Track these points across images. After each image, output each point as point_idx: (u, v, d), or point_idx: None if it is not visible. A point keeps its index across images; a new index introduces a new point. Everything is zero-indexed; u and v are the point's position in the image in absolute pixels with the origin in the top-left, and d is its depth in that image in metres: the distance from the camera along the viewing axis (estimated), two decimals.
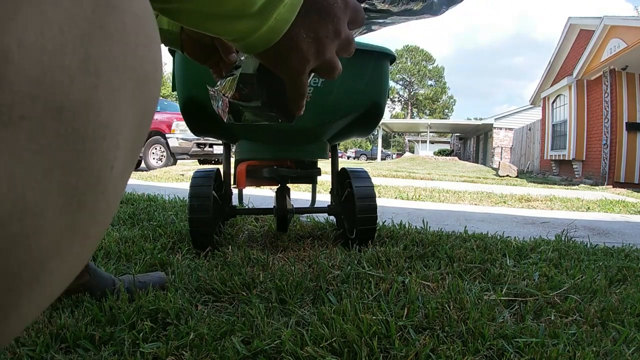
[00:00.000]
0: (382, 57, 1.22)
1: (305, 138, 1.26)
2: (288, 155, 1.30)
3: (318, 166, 1.39)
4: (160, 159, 7.48)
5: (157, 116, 7.53)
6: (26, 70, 0.13)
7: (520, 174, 10.65)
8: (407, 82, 46.04)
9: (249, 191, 3.02)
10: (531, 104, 13.00)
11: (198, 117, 1.22)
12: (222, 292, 0.91)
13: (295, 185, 2.88)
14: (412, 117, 40.87)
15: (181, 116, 1.27)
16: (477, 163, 18.55)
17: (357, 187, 1.28)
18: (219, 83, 0.41)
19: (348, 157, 38.13)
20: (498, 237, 1.43)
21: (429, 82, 46.17)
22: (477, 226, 1.84)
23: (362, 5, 0.40)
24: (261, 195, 2.82)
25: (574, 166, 8.83)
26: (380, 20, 0.48)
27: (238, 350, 0.66)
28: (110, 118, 0.17)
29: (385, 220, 1.63)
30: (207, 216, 1.19)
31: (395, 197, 2.96)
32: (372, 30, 0.51)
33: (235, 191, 1.60)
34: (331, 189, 1.44)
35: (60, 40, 0.14)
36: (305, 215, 1.75)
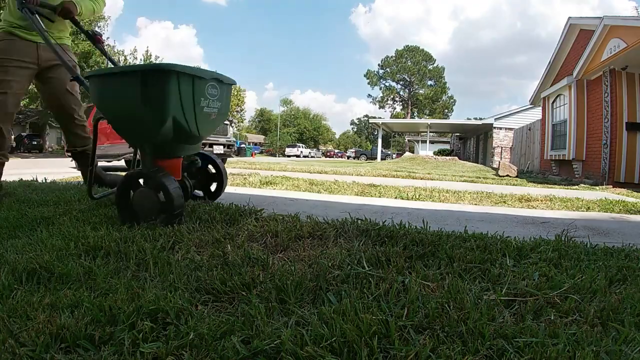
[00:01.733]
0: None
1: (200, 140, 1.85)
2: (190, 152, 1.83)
3: None
4: None
5: None
6: None
7: (520, 174, 10.64)
8: (407, 82, 46.03)
9: (250, 191, 3.02)
10: (531, 104, 13.00)
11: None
12: (222, 292, 0.91)
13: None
14: (412, 117, 40.88)
15: None
16: (477, 163, 18.54)
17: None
18: None
19: (348, 157, 38.09)
20: (498, 237, 1.43)
21: (429, 82, 46.21)
22: (477, 226, 1.84)
23: None
24: (263, 195, 2.82)
25: (574, 166, 8.82)
26: None
27: (238, 350, 0.66)
28: None
29: (385, 220, 1.63)
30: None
31: (395, 197, 2.96)
32: None
33: None
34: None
35: None
36: (305, 215, 1.75)
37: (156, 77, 1.49)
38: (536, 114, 14.28)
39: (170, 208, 1.53)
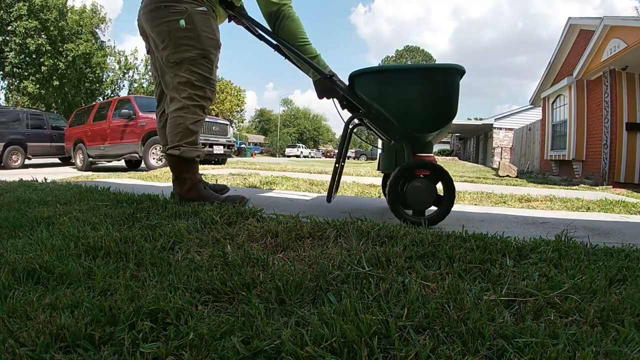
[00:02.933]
0: None
1: None
2: None
3: None
4: (160, 159, 7.47)
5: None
6: None
7: (520, 174, 10.64)
8: None
9: (250, 191, 3.02)
10: (531, 104, 13.00)
11: None
12: (222, 292, 0.91)
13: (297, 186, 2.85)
14: None
15: None
16: (477, 163, 18.54)
17: None
18: None
19: (348, 157, 38.11)
20: (498, 238, 1.43)
21: None
22: (477, 226, 1.84)
23: None
24: (263, 195, 2.82)
25: (574, 166, 8.82)
26: None
27: (238, 351, 0.66)
28: None
29: (385, 220, 1.63)
30: None
31: None
32: None
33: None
34: None
35: None
36: (306, 215, 1.75)
37: (453, 74, 1.69)
38: (536, 114, 14.28)
39: (452, 199, 1.70)
